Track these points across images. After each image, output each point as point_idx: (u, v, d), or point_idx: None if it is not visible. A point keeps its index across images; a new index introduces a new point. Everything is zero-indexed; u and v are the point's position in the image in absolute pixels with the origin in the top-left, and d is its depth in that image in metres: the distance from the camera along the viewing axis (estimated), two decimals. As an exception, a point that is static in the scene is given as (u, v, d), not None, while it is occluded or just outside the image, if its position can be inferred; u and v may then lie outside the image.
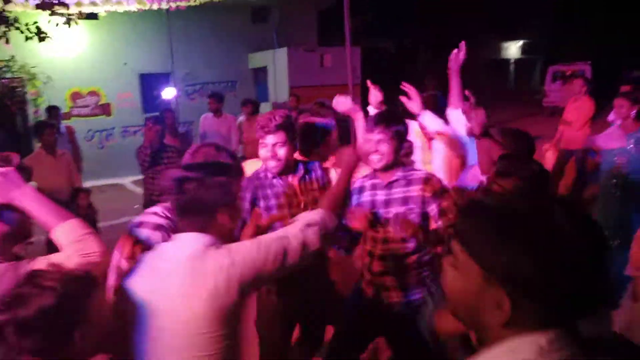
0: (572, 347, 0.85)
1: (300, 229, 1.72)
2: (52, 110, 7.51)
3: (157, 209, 2.02)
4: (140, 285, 1.61)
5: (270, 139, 2.52)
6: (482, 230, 0.88)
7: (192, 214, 1.62)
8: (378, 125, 2.45)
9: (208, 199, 1.61)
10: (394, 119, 2.50)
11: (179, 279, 1.54)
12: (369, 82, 3.52)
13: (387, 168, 2.51)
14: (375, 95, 3.51)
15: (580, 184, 6.23)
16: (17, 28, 6.42)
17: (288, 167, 2.61)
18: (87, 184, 5.59)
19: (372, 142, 2.46)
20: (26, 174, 1.93)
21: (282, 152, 2.53)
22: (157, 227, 1.93)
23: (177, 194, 1.60)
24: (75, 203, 5.09)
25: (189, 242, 1.60)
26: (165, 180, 1.62)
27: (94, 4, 8.64)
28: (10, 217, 1.73)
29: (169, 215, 1.98)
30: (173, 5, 9.47)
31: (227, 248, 1.61)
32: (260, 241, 1.65)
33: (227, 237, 1.68)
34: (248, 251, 1.60)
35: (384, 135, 2.44)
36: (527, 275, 0.83)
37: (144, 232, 1.92)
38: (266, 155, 2.55)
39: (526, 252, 0.83)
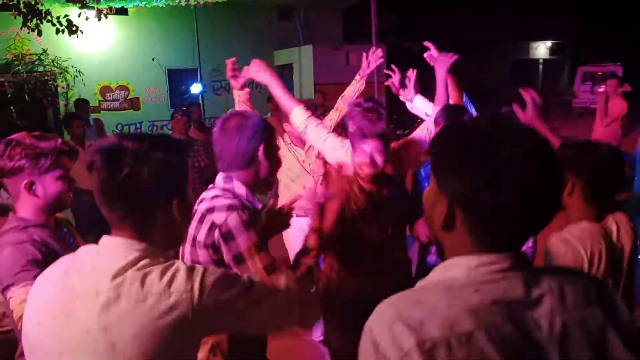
0: (504, 273, 0.90)
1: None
2: (81, 103, 7.65)
3: (213, 192, 1.86)
4: (38, 311, 1.14)
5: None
6: (441, 143, 0.98)
7: (126, 204, 1.12)
8: (448, 121, 2.41)
9: (153, 182, 1.11)
10: (462, 114, 2.52)
11: (89, 317, 1.05)
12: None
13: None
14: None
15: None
16: (49, 21, 6.55)
17: None
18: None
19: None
20: (74, 154, 1.96)
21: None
22: (230, 208, 1.75)
23: (108, 172, 1.09)
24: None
25: (115, 253, 1.11)
26: (91, 154, 1.12)
27: (123, -1, 8.78)
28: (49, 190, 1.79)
29: (235, 193, 1.85)
30: (201, 1, 9.56)
31: (188, 273, 1.09)
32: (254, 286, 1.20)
33: (172, 244, 1.25)
34: (231, 296, 1.13)
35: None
36: (464, 190, 0.90)
37: (221, 217, 1.74)
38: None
39: (467, 170, 0.89)
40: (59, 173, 1.83)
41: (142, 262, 1.10)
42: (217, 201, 1.79)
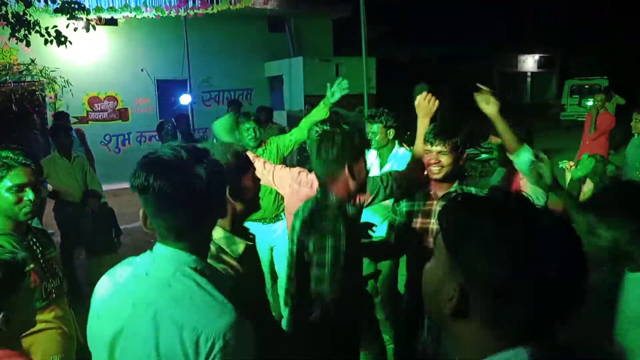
0: None
1: None
2: (61, 115, 7.55)
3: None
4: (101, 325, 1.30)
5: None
6: (461, 219, 0.89)
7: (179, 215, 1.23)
8: (438, 137, 2.49)
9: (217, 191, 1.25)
10: (454, 131, 2.54)
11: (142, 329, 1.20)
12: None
13: (444, 180, 2.53)
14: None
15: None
16: (38, 31, 6.50)
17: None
18: (103, 187, 5.61)
19: (433, 153, 2.50)
20: (39, 173, 2.03)
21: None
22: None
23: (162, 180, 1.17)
24: (85, 205, 5.11)
25: (166, 262, 1.25)
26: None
27: (112, 9, 8.75)
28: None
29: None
30: (191, 13, 9.56)
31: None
32: None
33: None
34: None
35: (444, 147, 2.48)
36: (500, 274, 0.82)
37: None
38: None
39: (490, 250, 0.82)
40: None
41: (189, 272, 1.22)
42: None
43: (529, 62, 27.21)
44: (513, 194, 0.91)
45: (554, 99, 23.52)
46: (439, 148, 2.48)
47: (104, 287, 1.33)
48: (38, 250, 2.02)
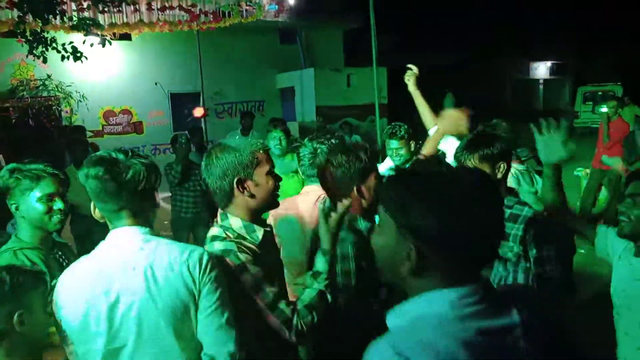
0: (481, 303, 0.98)
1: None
2: (78, 129, 7.64)
3: (212, 231, 1.91)
4: None
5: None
6: (397, 191, 1.03)
7: None
8: (466, 149, 2.33)
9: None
10: (482, 144, 2.35)
11: None
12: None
13: None
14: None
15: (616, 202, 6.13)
16: (54, 48, 6.63)
17: None
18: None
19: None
20: (66, 183, 2.09)
21: None
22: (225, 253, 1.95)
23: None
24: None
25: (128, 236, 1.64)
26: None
27: (127, 25, 8.88)
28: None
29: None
30: (203, 27, 9.67)
31: None
32: None
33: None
34: None
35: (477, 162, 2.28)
36: (431, 230, 0.96)
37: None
38: None
39: (430, 210, 0.96)
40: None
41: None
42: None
43: (541, 69, 27.08)
44: (433, 160, 1.11)
45: (566, 106, 23.36)
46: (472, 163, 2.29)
47: (78, 272, 1.61)
48: (64, 264, 2.05)
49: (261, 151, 1.84)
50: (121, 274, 1.54)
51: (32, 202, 1.98)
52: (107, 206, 1.60)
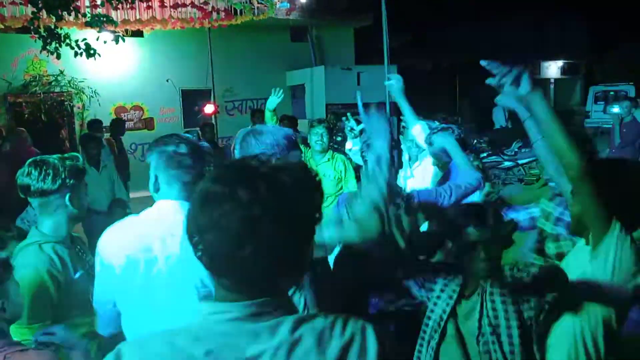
0: (230, 322, 0.91)
1: None
2: (95, 124, 7.73)
3: None
4: None
5: None
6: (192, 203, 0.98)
7: None
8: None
9: None
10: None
11: None
12: None
13: None
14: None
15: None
16: (68, 44, 6.69)
17: None
18: (130, 195, 5.74)
19: None
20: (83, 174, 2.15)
21: None
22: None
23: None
24: (112, 213, 5.22)
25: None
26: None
27: (139, 21, 8.94)
28: None
29: None
30: (215, 24, 9.71)
31: None
32: None
33: None
34: None
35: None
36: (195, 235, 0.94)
37: None
38: None
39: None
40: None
41: None
42: None
43: (552, 69, 26.85)
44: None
45: (578, 106, 23.16)
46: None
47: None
48: (85, 258, 2.09)
49: None
50: (161, 238, 1.72)
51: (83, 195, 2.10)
52: (166, 176, 1.77)
